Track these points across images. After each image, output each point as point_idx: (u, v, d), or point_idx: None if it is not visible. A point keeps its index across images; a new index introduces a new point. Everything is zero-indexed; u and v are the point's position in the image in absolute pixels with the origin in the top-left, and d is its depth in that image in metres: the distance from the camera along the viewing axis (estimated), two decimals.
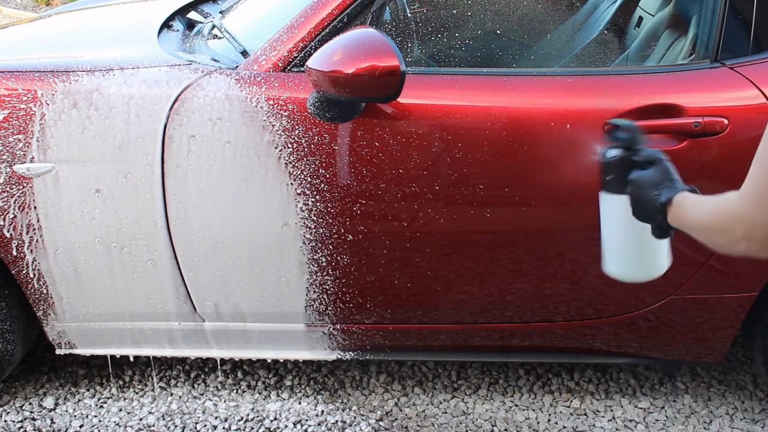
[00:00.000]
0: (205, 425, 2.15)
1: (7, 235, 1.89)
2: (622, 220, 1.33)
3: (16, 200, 1.85)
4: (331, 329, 2.04)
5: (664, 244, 1.34)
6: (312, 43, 1.80)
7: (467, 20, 2.03)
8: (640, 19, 2.24)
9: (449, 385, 2.32)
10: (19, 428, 2.13)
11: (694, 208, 1.12)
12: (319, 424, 2.15)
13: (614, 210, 1.37)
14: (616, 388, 2.32)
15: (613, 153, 1.35)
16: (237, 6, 2.36)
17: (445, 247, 1.88)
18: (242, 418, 2.17)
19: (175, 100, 1.78)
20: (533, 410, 2.22)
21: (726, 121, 1.75)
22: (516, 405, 2.24)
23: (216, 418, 2.17)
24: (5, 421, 2.15)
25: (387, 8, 2.04)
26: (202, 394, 2.27)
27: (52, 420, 2.17)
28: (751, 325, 2.07)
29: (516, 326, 2.05)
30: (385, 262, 1.90)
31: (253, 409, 2.22)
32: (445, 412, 2.21)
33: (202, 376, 2.35)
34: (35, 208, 1.86)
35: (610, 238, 1.41)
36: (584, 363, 2.31)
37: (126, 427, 2.14)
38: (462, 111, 1.76)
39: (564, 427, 2.16)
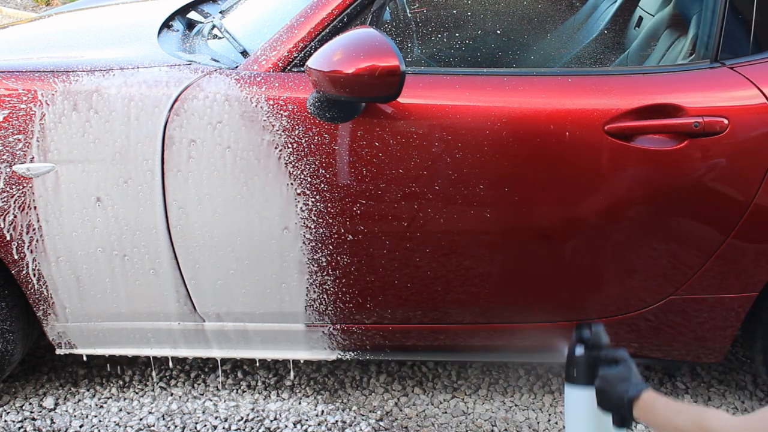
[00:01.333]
0: (205, 425, 2.15)
1: (7, 236, 1.89)
2: (585, 410, 1.46)
3: (16, 200, 1.85)
4: (331, 329, 2.04)
5: None
6: (312, 43, 1.80)
7: (467, 20, 2.03)
8: (640, 19, 2.24)
9: (449, 385, 2.32)
10: (19, 428, 2.13)
11: (668, 409, 1.26)
12: (319, 424, 2.15)
13: (577, 402, 1.50)
14: None
15: (580, 351, 1.49)
16: (237, 6, 2.36)
17: (445, 247, 1.88)
18: (242, 418, 2.17)
19: (175, 101, 1.78)
20: (533, 410, 2.22)
21: (726, 121, 1.75)
22: (516, 405, 2.24)
23: (216, 418, 2.17)
24: (5, 421, 2.15)
25: (387, 8, 2.04)
26: (202, 394, 2.27)
27: (52, 420, 2.17)
28: (751, 325, 2.07)
29: (516, 326, 2.05)
30: (385, 262, 1.90)
31: (253, 409, 2.22)
32: (445, 412, 2.21)
33: (202, 376, 2.35)
34: (35, 208, 1.86)
35: (574, 427, 1.53)
36: None
37: (126, 427, 2.14)
38: (462, 111, 1.76)
39: (564, 427, 2.16)
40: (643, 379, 1.37)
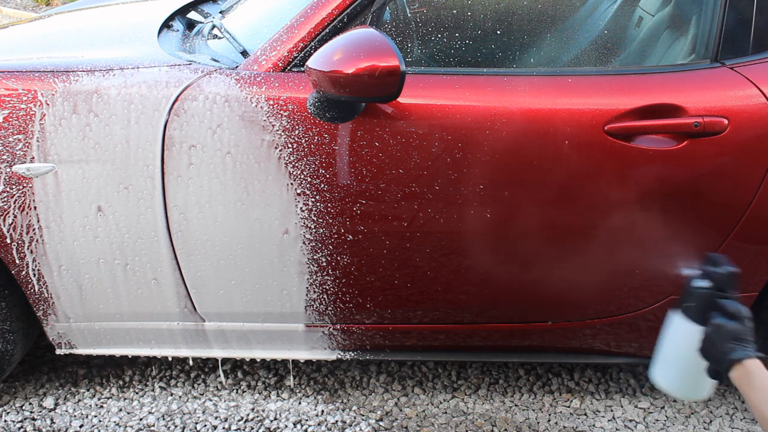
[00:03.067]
0: (205, 425, 2.15)
1: (7, 236, 1.89)
2: (685, 344, 1.40)
3: (16, 201, 1.85)
4: (331, 329, 2.04)
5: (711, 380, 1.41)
6: (312, 43, 1.80)
7: (467, 20, 2.03)
8: (640, 19, 2.24)
9: (449, 385, 2.32)
10: (19, 428, 2.13)
11: (763, 390, 1.21)
12: (319, 424, 2.15)
13: (681, 332, 1.44)
14: (616, 388, 2.32)
15: (702, 284, 1.41)
16: (237, 6, 2.36)
17: (445, 247, 1.88)
18: (242, 418, 2.17)
19: (175, 101, 1.78)
20: (533, 410, 2.22)
21: (726, 121, 1.75)
22: (516, 405, 2.24)
23: (216, 418, 2.17)
24: (5, 421, 2.15)
25: (387, 8, 2.04)
26: (202, 394, 2.27)
27: (52, 420, 2.17)
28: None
29: (516, 326, 2.05)
30: (385, 262, 1.90)
31: (253, 409, 2.22)
32: (445, 412, 2.21)
33: (202, 376, 2.35)
34: (35, 209, 1.86)
35: (667, 354, 1.48)
36: (584, 363, 2.31)
37: (126, 427, 2.14)
38: (462, 111, 1.76)
39: (564, 427, 2.16)
40: (755, 347, 1.30)
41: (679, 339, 1.44)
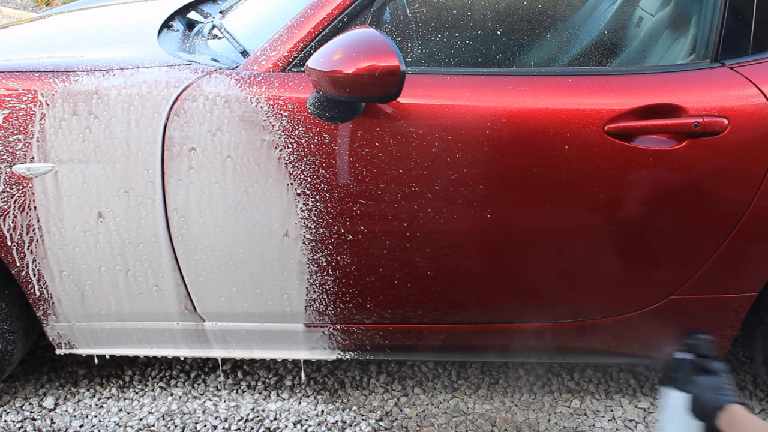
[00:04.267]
0: (205, 425, 2.15)
1: (7, 236, 1.89)
2: (681, 413, 1.48)
3: (15, 201, 1.85)
4: (331, 329, 2.04)
5: None
6: (312, 43, 1.80)
7: (467, 20, 2.03)
8: (640, 19, 2.24)
9: (449, 385, 2.32)
10: (19, 428, 2.13)
11: (752, 428, 1.28)
12: (319, 424, 2.15)
13: (675, 404, 1.51)
14: (616, 388, 2.32)
15: (683, 355, 1.53)
16: (237, 6, 2.36)
17: (445, 247, 1.88)
18: (242, 418, 2.17)
19: (175, 101, 1.78)
20: (533, 410, 2.22)
21: (726, 121, 1.75)
22: (516, 405, 2.24)
23: (216, 418, 2.17)
24: (5, 421, 2.15)
25: (387, 8, 2.04)
26: (202, 394, 2.27)
27: (52, 420, 2.17)
28: (751, 325, 2.07)
29: (516, 326, 2.05)
30: (385, 262, 1.90)
31: (253, 409, 2.22)
32: (445, 412, 2.21)
33: (202, 376, 2.35)
34: (35, 209, 1.86)
35: (669, 427, 1.55)
36: (584, 363, 2.31)
37: (126, 427, 2.14)
38: (462, 111, 1.76)
39: (564, 427, 2.16)
40: (737, 394, 1.39)
41: (674, 409, 1.51)
